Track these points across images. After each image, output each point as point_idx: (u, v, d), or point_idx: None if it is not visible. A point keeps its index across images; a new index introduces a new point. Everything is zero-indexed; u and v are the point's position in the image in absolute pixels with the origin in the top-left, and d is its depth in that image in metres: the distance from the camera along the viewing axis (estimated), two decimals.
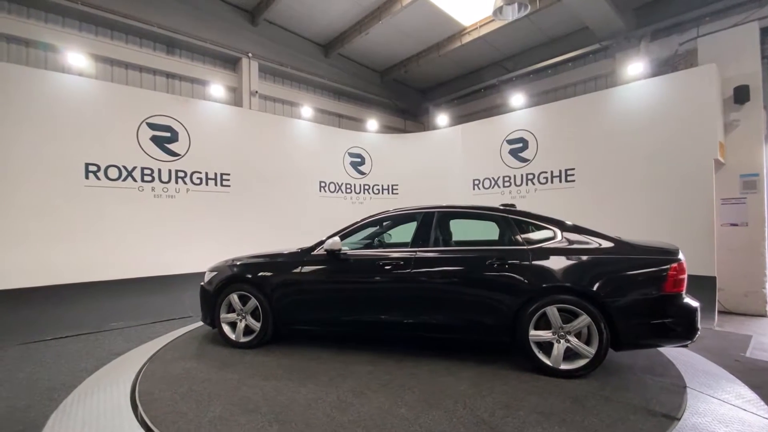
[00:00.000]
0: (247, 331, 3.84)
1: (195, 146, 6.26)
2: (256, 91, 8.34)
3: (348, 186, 8.45)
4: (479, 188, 7.78)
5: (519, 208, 3.73)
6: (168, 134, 6.04)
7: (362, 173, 8.69)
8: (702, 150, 5.25)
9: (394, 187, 8.93)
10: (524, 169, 7.13)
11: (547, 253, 3.15)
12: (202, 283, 4.10)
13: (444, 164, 8.41)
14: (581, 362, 2.96)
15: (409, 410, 2.51)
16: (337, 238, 3.67)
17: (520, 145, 7.20)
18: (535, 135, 7.01)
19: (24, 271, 4.78)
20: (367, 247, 4.04)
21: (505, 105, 9.12)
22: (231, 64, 8.32)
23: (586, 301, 2.95)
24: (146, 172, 5.80)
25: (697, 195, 5.22)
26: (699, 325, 2.88)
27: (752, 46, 5.62)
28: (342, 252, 3.67)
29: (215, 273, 4.06)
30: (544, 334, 3.04)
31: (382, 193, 8.87)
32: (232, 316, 3.89)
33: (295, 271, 3.78)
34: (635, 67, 6.85)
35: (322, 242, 3.76)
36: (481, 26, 7.92)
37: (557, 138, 6.75)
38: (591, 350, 2.93)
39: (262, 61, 8.39)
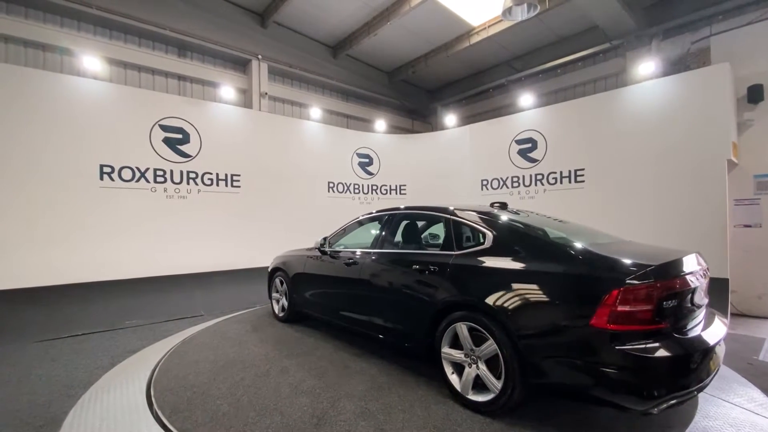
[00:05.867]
0: (283, 308, 4.84)
1: (206, 148, 6.36)
2: (266, 93, 8.42)
3: (356, 186, 8.49)
4: (487, 189, 7.76)
5: (529, 209, 3.70)
6: (180, 136, 6.14)
7: (370, 173, 8.72)
8: (715, 150, 5.17)
9: (402, 188, 8.94)
10: (533, 170, 7.10)
11: (464, 261, 2.76)
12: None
13: (452, 164, 8.40)
14: (488, 396, 2.47)
15: (292, 391, 2.87)
16: (320, 238, 4.33)
17: (529, 145, 7.16)
18: (544, 135, 6.97)
19: (40, 269, 4.90)
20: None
21: (514, 105, 9.06)
22: (241, 66, 8.41)
23: (491, 322, 2.44)
24: (159, 173, 5.90)
25: (709, 196, 5.14)
26: (689, 384, 1.99)
27: (766, 45, 5.51)
28: (324, 249, 4.24)
29: (273, 262, 5.13)
30: (455, 354, 2.69)
31: (390, 193, 8.89)
32: (277, 295, 4.97)
33: (300, 264, 4.56)
34: (646, 66, 6.77)
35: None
36: (489, 26, 7.88)
37: (567, 138, 6.70)
38: (498, 384, 2.40)
39: (272, 62, 8.46)
